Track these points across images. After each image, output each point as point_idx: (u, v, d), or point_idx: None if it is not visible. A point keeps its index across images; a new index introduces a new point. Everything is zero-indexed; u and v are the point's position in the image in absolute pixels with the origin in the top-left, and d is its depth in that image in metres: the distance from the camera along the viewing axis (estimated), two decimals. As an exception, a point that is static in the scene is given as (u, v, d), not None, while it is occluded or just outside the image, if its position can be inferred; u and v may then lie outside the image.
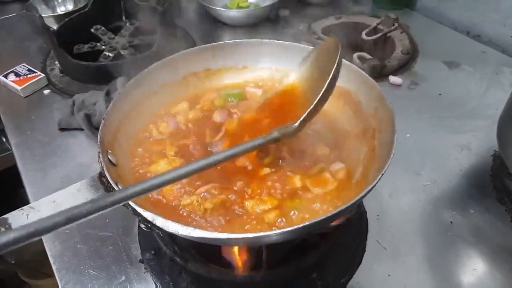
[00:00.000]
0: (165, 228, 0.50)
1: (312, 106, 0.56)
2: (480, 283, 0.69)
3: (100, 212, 0.42)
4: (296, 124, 0.56)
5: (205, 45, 0.81)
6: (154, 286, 0.70)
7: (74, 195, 0.58)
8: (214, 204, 0.60)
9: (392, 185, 0.84)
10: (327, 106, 0.58)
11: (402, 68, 1.19)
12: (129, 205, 0.52)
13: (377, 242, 0.75)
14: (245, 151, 0.55)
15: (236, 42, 0.81)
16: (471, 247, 0.74)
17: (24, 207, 0.55)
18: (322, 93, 0.55)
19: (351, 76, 0.72)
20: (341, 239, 0.72)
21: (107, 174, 0.56)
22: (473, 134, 0.96)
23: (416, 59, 1.23)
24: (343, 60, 0.73)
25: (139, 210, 0.52)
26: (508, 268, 0.71)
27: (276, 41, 0.80)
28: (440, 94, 1.09)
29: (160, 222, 0.50)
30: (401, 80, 1.13)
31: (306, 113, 0.56)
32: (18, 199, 0.81)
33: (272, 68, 0.82)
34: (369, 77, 0.69)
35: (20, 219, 0.54)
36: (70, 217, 0.40)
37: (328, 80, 0.55)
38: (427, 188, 0.85)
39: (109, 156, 0.62)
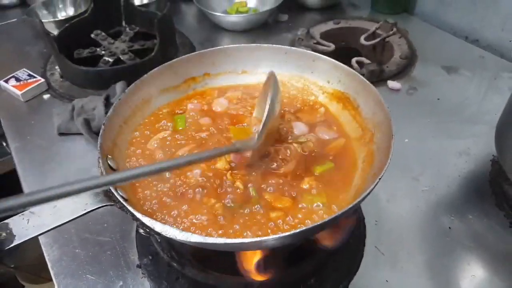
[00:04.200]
0: (164, 233, 0.51)
1: (263, 120, 0.59)
2: (479, 289, 0.69)
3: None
4: (255, 137, 0.61)
5: (204, 50, 0.81)
6: (152, 291, 0.70)
7: (74, 200, 0.58)
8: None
9: (390, 191, 0.84)
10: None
11: (400, 73, 1.19)
12: (128, 209, 0.53)
13: (375, 248, 0.75)
14: (207, 158, 0.61)
15: (235, 47, 0.81)
16: (470, 252, 0.74)
17: (25, 212, 0.55)
18: (269, 105, 0.59)
19: (350, 81, 0.73)
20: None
21: (106, 179, 0.56)
22: (471, 140, 0.96)
23: (415, 64, 1.23)
24: (341, 64, 0.74)
25: (138, 215, 0.52)
26: (507, 274, 0.70)
27: (275, 45, 0.80)
28: (438, 99, 1.10)
29: (159, 227, 0.51)
30: (399, 85, 1.14)
31: (261, 127, 0.60)
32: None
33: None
34: (368, 82, 0.69)
35: (20, 224, 0.55)
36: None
37: (270, 94, 0.60)
38: (425, 193, 0.85)
39: (109, 161, 0.62)
